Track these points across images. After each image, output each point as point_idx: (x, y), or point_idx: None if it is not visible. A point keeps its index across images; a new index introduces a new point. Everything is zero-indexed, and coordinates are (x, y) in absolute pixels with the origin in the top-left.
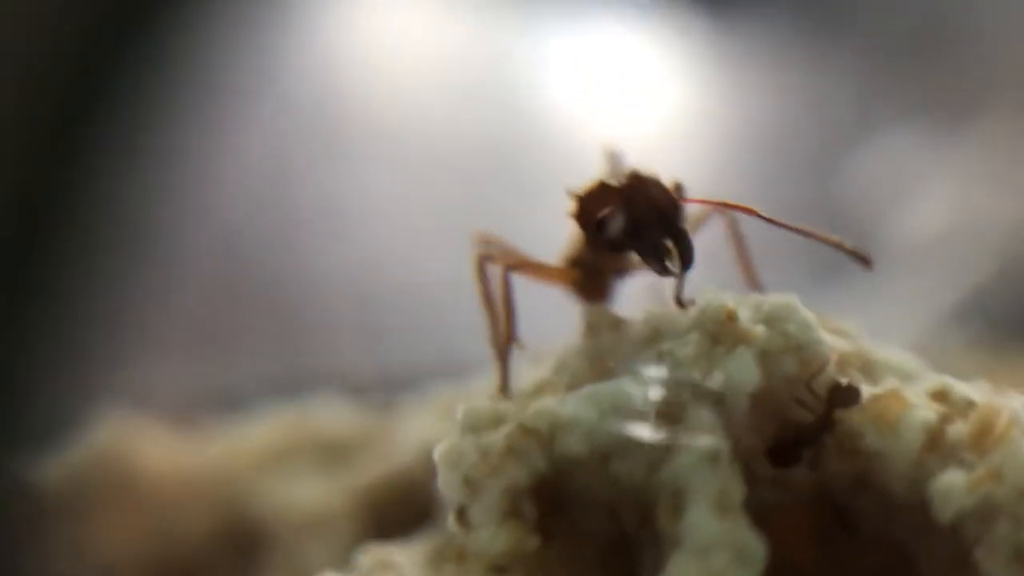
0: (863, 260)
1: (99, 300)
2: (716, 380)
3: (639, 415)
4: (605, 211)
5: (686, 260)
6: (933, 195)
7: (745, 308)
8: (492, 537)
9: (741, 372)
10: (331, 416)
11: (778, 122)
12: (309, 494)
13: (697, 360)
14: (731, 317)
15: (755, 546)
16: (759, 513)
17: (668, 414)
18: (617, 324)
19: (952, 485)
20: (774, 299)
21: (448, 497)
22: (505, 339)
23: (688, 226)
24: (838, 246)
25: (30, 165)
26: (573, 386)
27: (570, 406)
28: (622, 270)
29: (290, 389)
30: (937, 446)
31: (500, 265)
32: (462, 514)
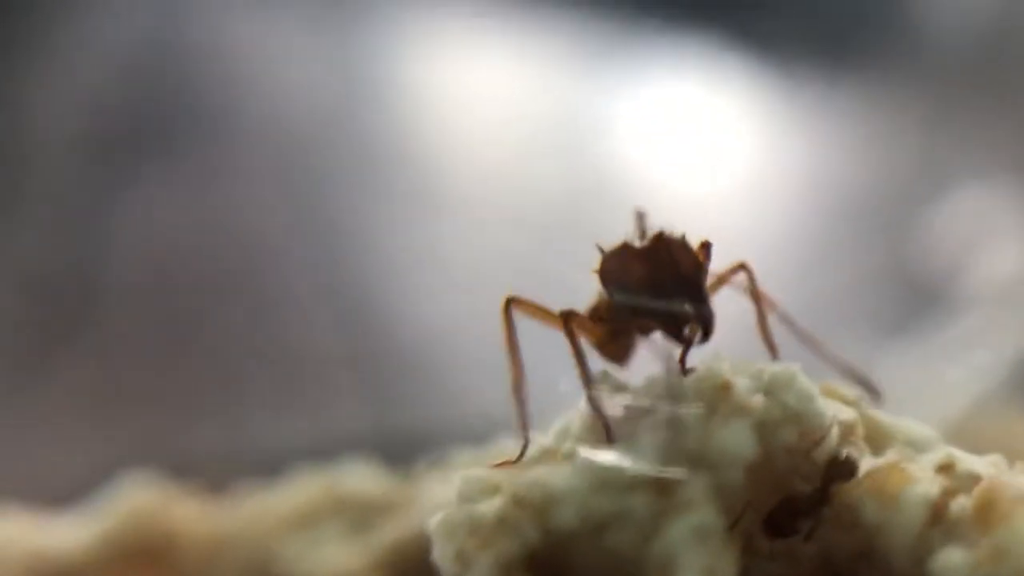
0: (872, 391)
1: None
2: (711, 451)
3: (633, 486)
4: (627, 273)
5: (706, 330)
6: (1007, 247)
7: (744, 377)
8: None
9: (736, 443)
10: (359, 480)
11: (850, 175)
12: (335, 557)
13: (693, 430)
14: (726, 387)
15: None
16: None
17: (661, 485)
18: (619, 390)
19: (953, 564)
20: (774, 368)
21: (442, 569)
22: (519, 387)
23: (711, 291)
24: (847, 371)
25: None
26: (574, 453)
27: (563, 477)
28: (643, 332)
29: (321, 454)
30: (940, 521)
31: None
32: None
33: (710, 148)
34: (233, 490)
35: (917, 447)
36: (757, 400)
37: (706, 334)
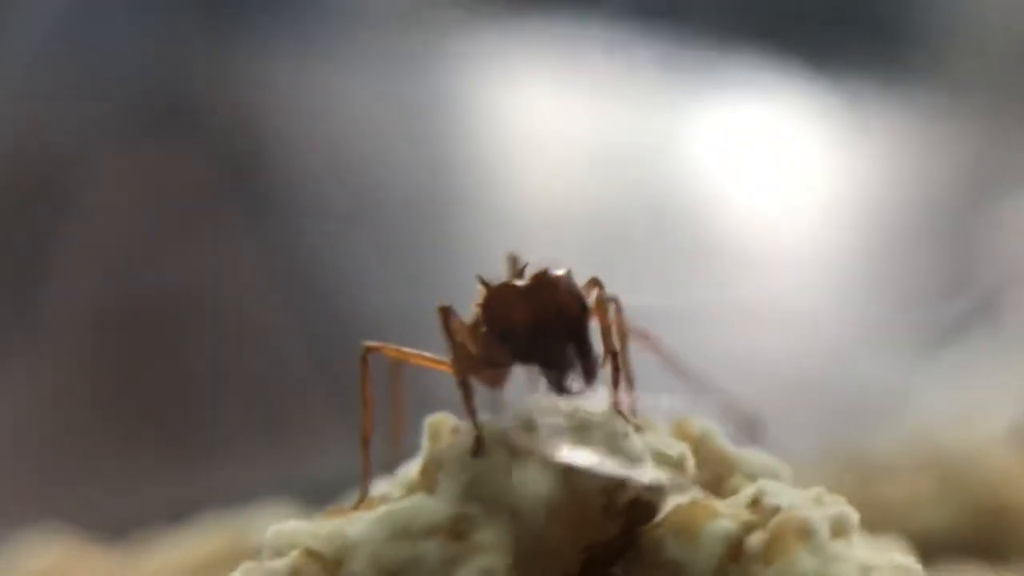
0: (749, 428)
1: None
2: (510, 492)
3: (429, 532)
4: (510, 315)
5: (588, 377)
6: None
7: (557, 417)
8: None
9: (532, 484)
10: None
11: (913, 188)
12: None
13: (491, 474)
14: (529, 428)
15: None
16: None
17: (457, 531)
18: (455, 431)
19: None
20: (588, 407)
21: None
22: (365, 434)
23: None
24: (726, 407)
25: None
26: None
27: (359, 526)
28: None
29: (238, 499)
30: (739, 557)
31: (387, 355)
32: None
33: (777, 167)
34: (137, 539)
35: (759, 479)
36: (563, 441)
37: (588, 382)
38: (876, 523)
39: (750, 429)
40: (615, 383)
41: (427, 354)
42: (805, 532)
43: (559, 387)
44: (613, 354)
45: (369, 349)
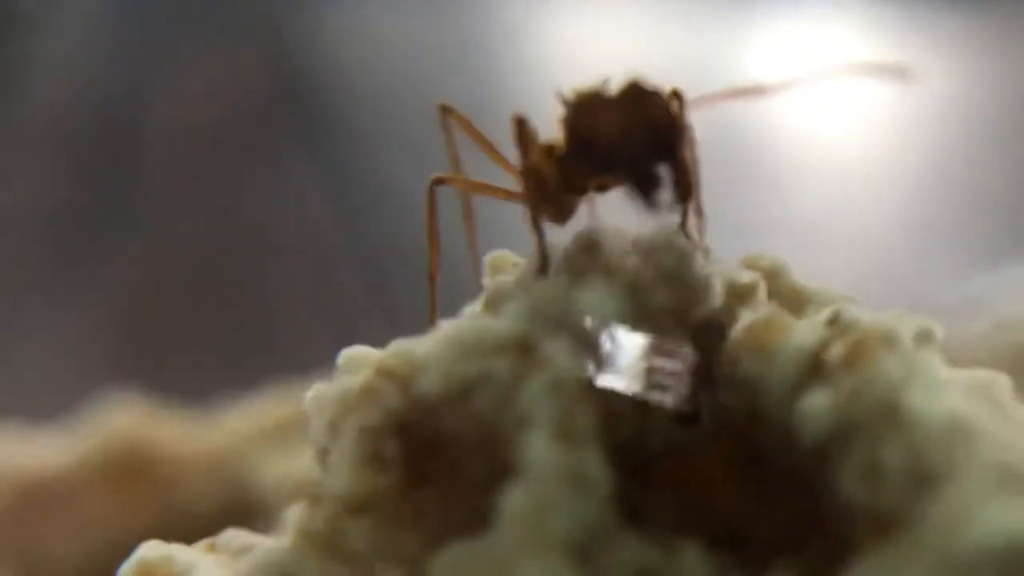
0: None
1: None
2: (574, 312)
3: (497, 350)
4: (597, 125)
5: (684, 192)
6: None
7: (622, 240)
8: (341, 478)
9: (597, 302)
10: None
11: (987, 103)
12: (306, 464)
13: (555, 293)
14: (590, 248)
15: (597, 475)
16: (667, 455)
17: (524, 348)
18: (516, 266)
19: (814, 405)
20: (653, 232)
21: (315, 441)
22: (432, 270)
23: (690, 150)
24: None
25: None
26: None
27: (426, 346)
28: (601, 190)
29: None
30: (819, 371)
31: (455, 186)
32: (323, 458)
33: (834, 83)
34: (213, 403)
35: (827, 307)
36: (628, 261)
37: (684, 199)
38: None
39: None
40: (685, 206)
41: (496, 184)
42: (889, 340)
43: (649, 202)
44: (685, 175)
45: (437, 180)
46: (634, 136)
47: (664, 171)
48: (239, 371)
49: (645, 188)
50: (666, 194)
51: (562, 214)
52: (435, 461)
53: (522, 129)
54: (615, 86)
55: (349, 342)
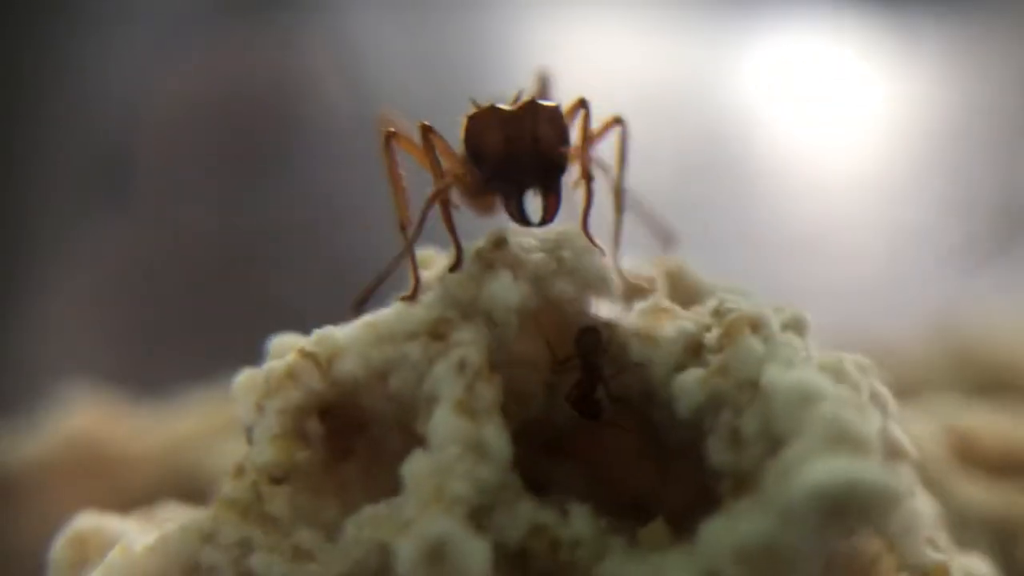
0: (668, 238)
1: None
2: (483, 300)
3: (411, 336)
4: (486, 138)
5: (547, 217)
6: None
7: (530, 239)
8: (262, 451)
9: (503, 291)
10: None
11: (964, 109)
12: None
13: (466, 284)
14: (499, 244)
15: (497, 444)
16: (574, 431)
17: (437, 333)
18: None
19: (688, 382)
20: (559, 228)
21: (244, 420)
22: (402, 218)
23: (586, 146)
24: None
25: None
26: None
27: (347, 331)
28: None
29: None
30: (697, 354)
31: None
32: (248, 434)
33: (827, 93)
34: (174, 395)
35: (718, 298)
36: (533, 256)
37: (545, 222)
38: None
39: (666, 240)
40: (587, 206)
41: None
42: (756, 323)
43: (517, 217)
44: (588, 179)
45: (390, 135)
46: (513, 152)
47: (539, 187)
48: (200, 364)
49: (516, 202)
50: (537, 211)
51: (485, 208)
52: (357, 438)
53: (427, 137)
54: (515, 102)
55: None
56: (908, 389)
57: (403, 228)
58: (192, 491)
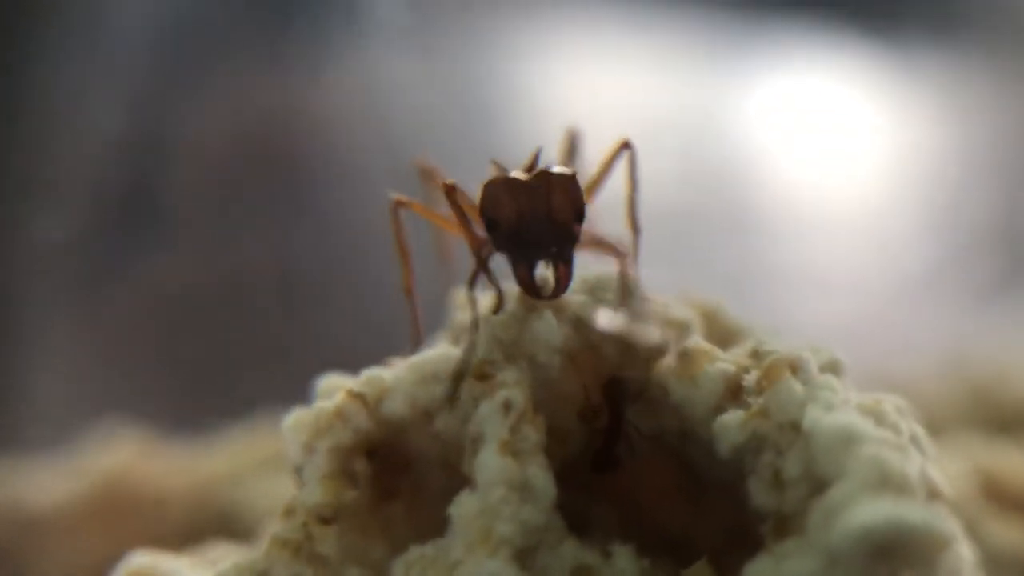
0: (619, 253)
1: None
2: (526, 341)
3: (457, 377)
4: (500, 208)
5: (558, 289)
6: None
7: (574, 280)
8: (312, 491)
9: (546, 332)
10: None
11: (971, 148)
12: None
13: (510, 325)
14: (545, 286)
15: (541, 485)
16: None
17: (481, 373)
18: (476, 301)
19: (729, 423)
20: (598, 271)
21: (293, 460)
22: (407, 284)
23: (600, 177)
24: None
25: None
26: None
27: (394, 372)
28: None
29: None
30: (737, 396)
31: (415, 210)
32: (298, 474)
33: (828, 131)
34: (209, 433)
35: (753, 340)
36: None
37: (556, 295)
38: None
39: (619, 253)
40: (628, 254)
41: (451, 217)
42: (795, 365)
43: (528, 287)
44: (635, 229)
45: (398, 203)
46: (526, 223)
47: (550, 259)
48: (234, 401)
49: (527, 273)
50: (548, 283)
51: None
52: (402, 477)
53: (451, 194)
54: (532, 162)
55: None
56: (930, 428)
57: (408, 293)
58: (227, 529)
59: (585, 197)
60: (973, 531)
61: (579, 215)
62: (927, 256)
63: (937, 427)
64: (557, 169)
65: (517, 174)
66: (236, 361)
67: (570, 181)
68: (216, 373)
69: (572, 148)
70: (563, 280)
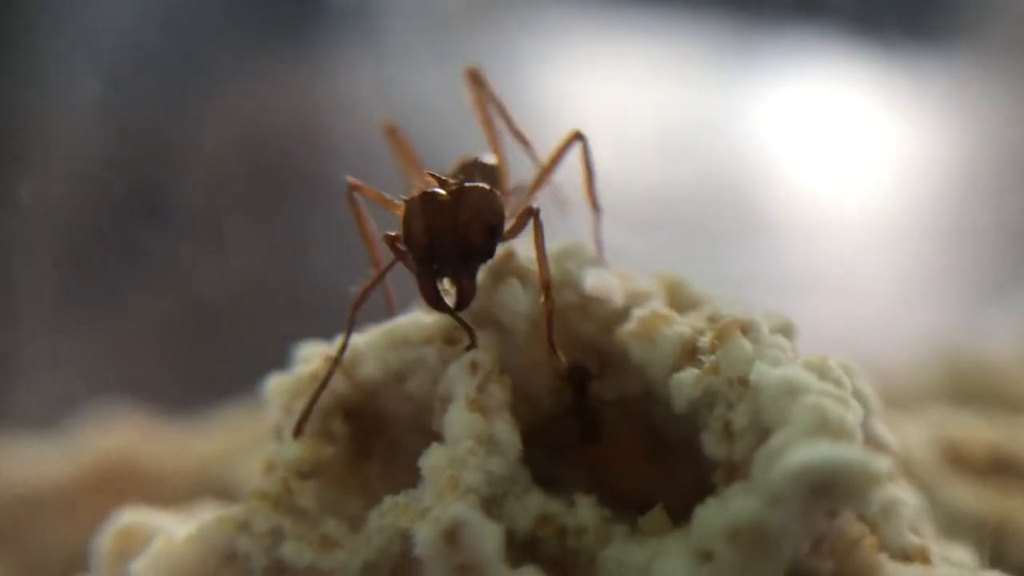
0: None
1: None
2: (493, 307)
3: (427, 340)
4: (415, 222)
5: (460, 304)
6: None
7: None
8: (291, 448)
9: (512, 299)
10: None
11: (979, 153)
12: None
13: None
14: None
15: (507, 438)
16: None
17: (451, 338)
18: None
19: (684, 379)
20: (565, 242)
21: (273, 421)
22: (374, 259)
23: (549, 167)
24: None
25: None
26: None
27: (367, 338)
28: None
29: None
30: (692, 356)
31: (367, 194)
32: (278, 435)
33: (835, 138)
34: (204, 411)
35: (714, 308)
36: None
37: (458, 310)
38: None
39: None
40: (596, 227)
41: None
42: (746, 326)
43: (431, 300)
44: (595, 208)
45: (352, 187)
46: (432, 242)
47: (452, 277)
48: (230, 383)
49: (430, 288)
50: (451, 298)
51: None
52: (378, 439)
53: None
54: (459, 172)
55: None
56: (901, 403)
57: (376, 267)
58: (223, 506)
59: (537, 184)
60: (932, 493)
61: (492, 231)
62: (933, 261)
63: (909, 403)
64: (473, 185)
65: (438, 189)
66: (232, 344)
67: (486, 196)
68: (213, 356)
69: (560, 151)
70: (464, 295)
